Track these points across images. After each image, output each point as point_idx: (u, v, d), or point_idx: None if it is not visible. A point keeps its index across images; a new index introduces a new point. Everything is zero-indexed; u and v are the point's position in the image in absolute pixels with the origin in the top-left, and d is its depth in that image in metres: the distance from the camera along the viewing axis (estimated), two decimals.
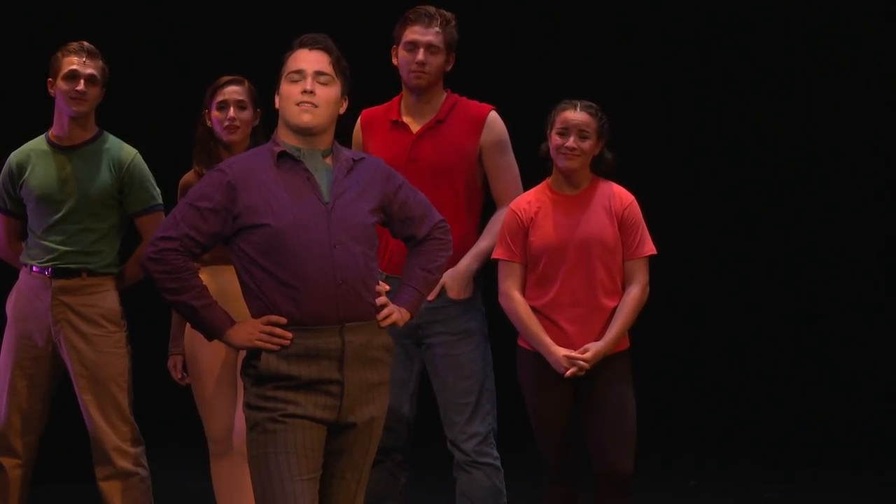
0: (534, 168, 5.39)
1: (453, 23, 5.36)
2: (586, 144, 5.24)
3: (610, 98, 5.63)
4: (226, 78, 5.56)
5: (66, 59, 5.52)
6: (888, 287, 8.65)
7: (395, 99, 5.44)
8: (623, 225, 5.26)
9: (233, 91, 5.52)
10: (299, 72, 4.28)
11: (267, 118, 5.45)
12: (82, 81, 5.49)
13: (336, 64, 4.31)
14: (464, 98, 5.43)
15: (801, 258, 8.80)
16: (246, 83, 5.55)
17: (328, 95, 4.28)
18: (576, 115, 5.24)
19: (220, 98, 5.51)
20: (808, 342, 8.78)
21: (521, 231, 5.27)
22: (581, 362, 5.17)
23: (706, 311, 8.91)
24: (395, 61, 5.38)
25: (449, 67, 5.37)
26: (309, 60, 4.29)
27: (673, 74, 8.83)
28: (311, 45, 4.31)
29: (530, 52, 8.84)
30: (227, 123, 5.50)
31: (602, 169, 5.32)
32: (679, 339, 8.82)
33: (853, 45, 8.57)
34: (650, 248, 5.30)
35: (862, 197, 8.67)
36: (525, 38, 8.88)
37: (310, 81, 4.26)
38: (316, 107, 4.25)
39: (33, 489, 5.74)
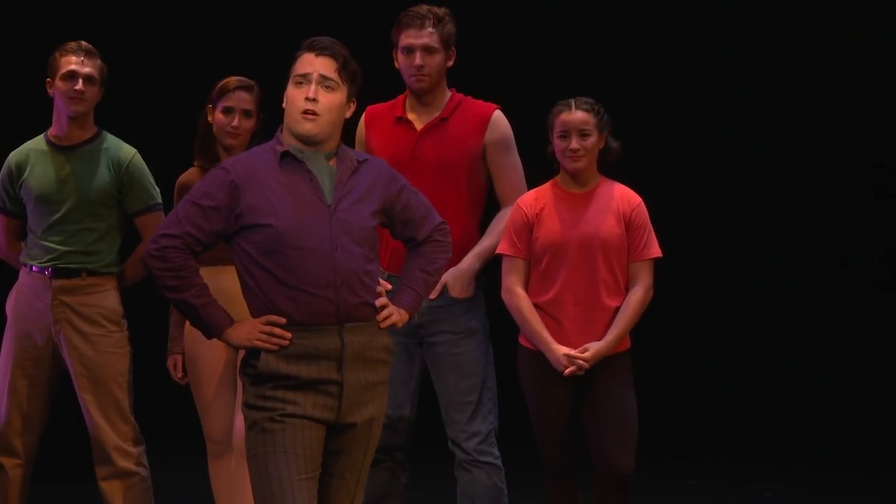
0: (538, 168, 5.39)
1: (447, 18, 5.33)
2: (589, 142, 5.24)
3: (613, 98, 5.61)
4: (235, 81, 5.52)
5: (65, 59, 5.51)
6: (890, 287, 8.65)
7: (400, 97, 5.44)
8: (630, 226, 5.26)
9: (241, 98, 5.49)
10: (304, 76, 4.27)
11: (267, 122, 5.45)
12: (80, 81, 5.49)
13: (342, 69, 4.30)
14: (469, 97, 5.43)
15: (801, 259, 8.80)
16: (255, 89, 5.51)
17: (331, 102, 4.27)
18: (573, 115, 5.24)
19: (227, 102, 5.48)
20: (810, 342, 8.77)
21: (527, 227, 5.27)
22: (581, 361, 5.17)
23: (707, 312, 8.91)
24: (396, 65, 5.38)
25: (450, 63, 5.36)
26: (315, 65, 4.28)
27: (676, 75, 8.83)
28: (319, 50, 4.29)
29: (535, 52, 8.83)
30: (229, 129, 5.48)
31: (609, 158, 5.32)
32: (680, 339, 8.81)
33: (858, 45, 8.57)
34: (656, 251, 5.30)
35: (867, 197, 8.66)
36: (529, 38, 8.88)
37: (313, 88, 4.26)
38: (318, 115, 4.25)
39: (34, 489, 5.74)
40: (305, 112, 4.24)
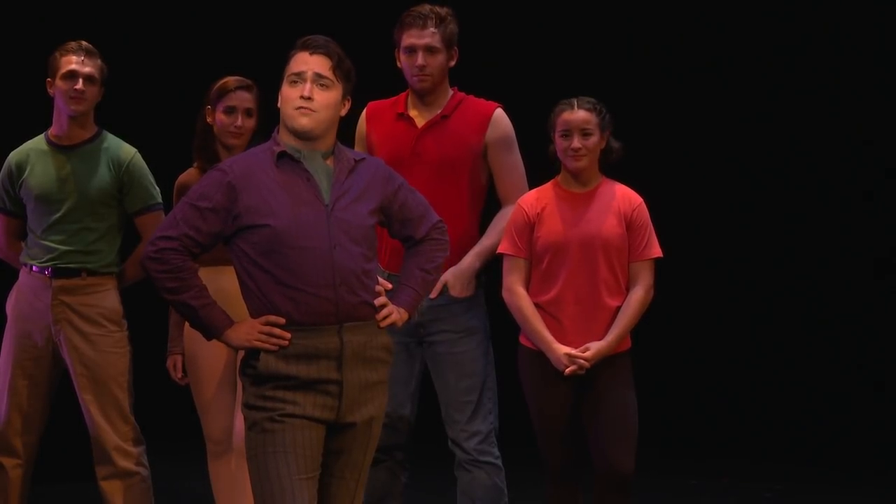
0: (540, 167, 5.39)
1: (449, 18, 5.33)
2: (591, 142, 5.24)
3: (614, 98, 5.60)
4: (235, 81, 5.53)
5: (65, 59, 5.52)
6: (890, 288, 8.65)
7: (402, 94, 5.43)
8: (631, 226, 5.26)
9: (243, 98, 5.51)
10: (299, 74, 4.28)
11: (265, 121, 5.45)
12: (81, 80, 5.49)
13: (337, 67, 4.30)
14: (470, 96, 5.42)
15: (802, 259, 8.80)
16: (255, 89, 5.54)
17: (327, 100, 4.27)
18: (574, 114, 5.24)
19: (229, 102, 5.49)
20: (809, 342, 8.77)
21: (528, 227, 5.27)
22: (581, 361, 5.17)
23: (708, 312, 8.91)
24: (398, 64, 5.37)
25: (452, 63, 5.36)
26: (309, 64, 4.28)
27: (677, 76, 8.82)
28: (313, 49, 4.30)
29: (537, 52, 8.83)
30: (232, 129, 5.49)
31: (611, 158, 5.32)
32: (680, 339, 8.81)
33: (861, 45, 8.57)
34: (656, 251, 5.30)
35: (871, 196, 8.66)
36: (531, 37, 8.88)
37: (308, 86, 4.26)
38: (314, 111, 4.25)
39: (34, 488, 5.74)
40: (300, 108, 4.25)
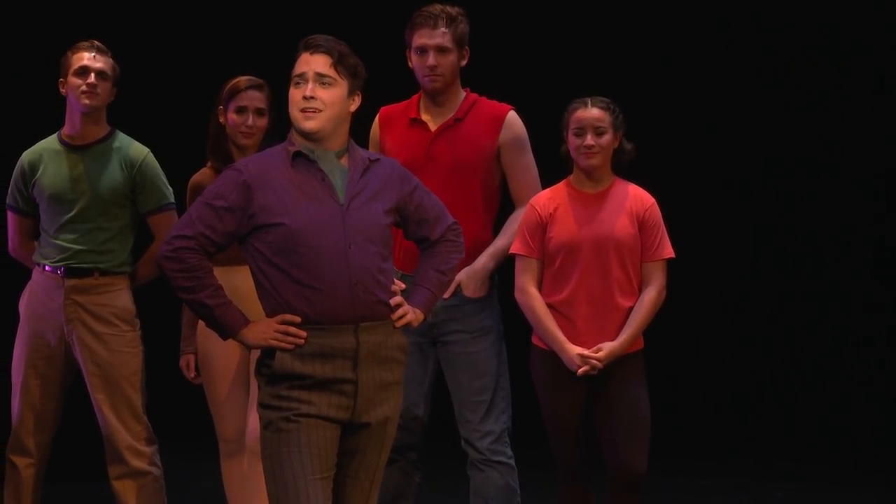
0: (552, 168, 5.38)
1: (460, 18, 5.33)
2: (604, 140, 5.24)
3: (626, 100, 5.59)
4: (246, 80, 5.54)
5: (76, 56, 5.54)
6: (892, 289, 8.65)
7: (415, 97, 5.44)
8: (643, 227, 5.26)
9: (253, 97, 5.52)
10: (301, 76, 4.29)
11: (277, 120, 5.45)
12: (93, 75, 5.51)
13: (338, 64, 4.30)
14: (483, 98, 5.43)
15: (812, 261, 8.79)
16: (265, 88, 5.54)
17: (330, 97, 4.28)
18: (588, 112, 5.24)
19: (240, 102, 5.50)
20: (817, 343, 8.77)
21: (540, 227, 5.27)
22: (594, 361, 5.17)
23: (719, 312, 8.90)
24: (410, 65, 5.38)
25: (464, 63, 5.36)
26: (310, 64, 4.29)
27: (688, 77, 8.82)
28: (313, 49, 4.31)
29: (549, 52, 8.83)
30: (243, 129, 5.50)
31: (623, 159, 5.32)
32: (691, 339, 8.81)
33: (871, 47, 8.58)
34: (669, 252, 5.30)
35: (882, 197, 8.66)
36: (544, 38, 8.87)
37: (310, 86, 4.27)
38: (319, 111, 4.26)
39: (46, 488, 5.75)
40: (304, 110, 4.26)
